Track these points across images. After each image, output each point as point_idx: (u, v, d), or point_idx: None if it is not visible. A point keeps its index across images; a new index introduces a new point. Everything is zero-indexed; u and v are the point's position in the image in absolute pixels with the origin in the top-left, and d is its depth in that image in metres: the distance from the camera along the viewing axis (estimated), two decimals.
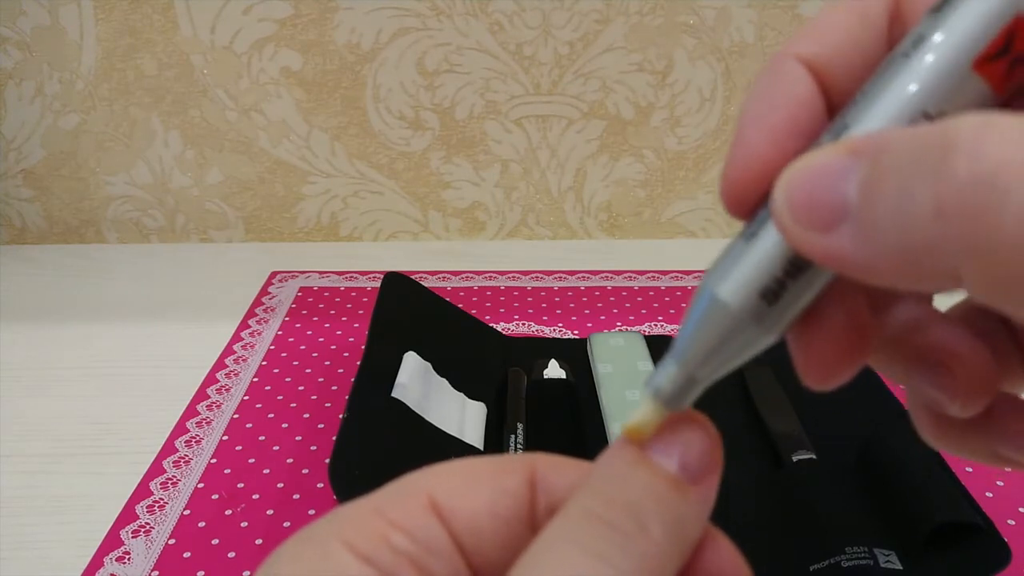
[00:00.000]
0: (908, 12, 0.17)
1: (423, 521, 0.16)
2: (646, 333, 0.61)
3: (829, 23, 0.18)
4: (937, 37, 0.15)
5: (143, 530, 0.45)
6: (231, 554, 0.43)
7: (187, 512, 0.46)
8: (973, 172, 0.12)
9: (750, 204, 0.17)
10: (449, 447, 0.46)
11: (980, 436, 0.18)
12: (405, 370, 0.48)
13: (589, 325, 0.65)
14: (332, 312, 0.67)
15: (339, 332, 0.64)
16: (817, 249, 0.14)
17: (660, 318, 0.67)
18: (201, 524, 0.45)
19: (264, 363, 0.60)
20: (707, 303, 0.16)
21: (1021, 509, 0.46)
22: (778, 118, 0.17)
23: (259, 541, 0.44)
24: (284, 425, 0.53)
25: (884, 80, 0.15)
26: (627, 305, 0.69)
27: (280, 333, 0.64)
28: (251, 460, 0.50)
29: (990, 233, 0.12)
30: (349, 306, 0.68)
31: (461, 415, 0.50)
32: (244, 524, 0.45)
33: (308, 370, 0.59)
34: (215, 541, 0.44)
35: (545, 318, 0.67)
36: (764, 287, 0.16)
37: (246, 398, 0.56)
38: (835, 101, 0.17)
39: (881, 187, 0.13)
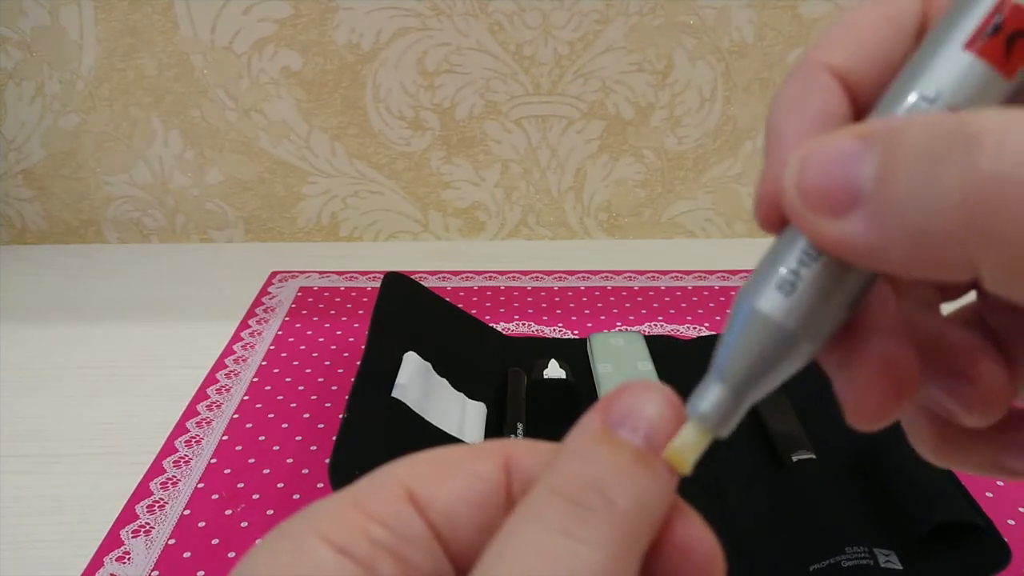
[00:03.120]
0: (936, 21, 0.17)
1: (400, 511, 0.16)
2: (646, 333, 0.61)
3: (859, 30, 0.17)
4: (935, 27, 0.15)
5: (143, 530, 0.45)
6: (231, 554, 0.43)
7: (187, 512, 0.46)
8: (996, 165, 0.12)
9: (785, 220, 0.16)
10: None
11: (983, 447, 0.18)
12: (405, 370, 0.48)
13: (589, 325, 0.65)
14: (332, 312, 0.67)
15: (339, 332, 0.64)
16: (829, 234, 0.14)
17: (660, 318, 0.67)
18: (201, 524, 0.45)
19: (264, 363, 0.60)
20: (742, 313, 0.16)
21: (1021, 509, 0.46)
22: (814, 133, 0.16)
23: (259, 541, 0.44)
24: (284, 425, 0.53)
25: (897, 78, 0.16)
26: (627, 305, 0.69)
27: (280, 333, 0.64)
28: (251, 460, 0.50)
29: (1007, 226, 0.12)
30: (349, 306, 0.68)
31: (461, 415, 0.50)
32: (244, 524, 0.45)
33: (308, 370, 0.59)
34: (215, 541, 0.44)
35: (545, 318, 0.67)
36: (780, 279, 0.16)
37: (246, 398, 0.56)
38: (863, 113, 0.17)
39: (900, 173, 0.13)
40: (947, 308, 0.19)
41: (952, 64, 0.15)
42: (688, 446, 0.16)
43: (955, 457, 0.18)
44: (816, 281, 0.15)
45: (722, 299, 0.70)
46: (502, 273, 0.74)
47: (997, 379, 0.17)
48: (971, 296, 0.19)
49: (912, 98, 0.15)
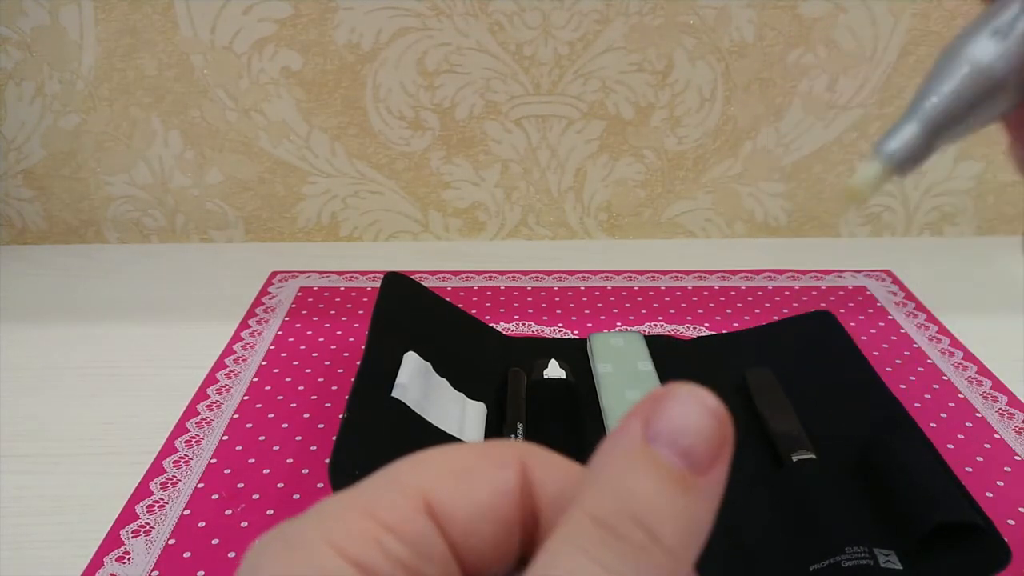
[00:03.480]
0: None
1: (418, 524, 0.15)
2: (646, 333, 0.61)
3: None
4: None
5: (143, 530, 0.45)
6: (231, 554, 0.43)
7: (187, 512, 0.46)
8: None
9: None
10: None
11: None
12: (405, 370, 0.48)
13: (589, 325, 0.65)
14: (332, 312, 0.67)
15: (339, 332, 0.64)
16: None
17: (660, 318, 0.67)
18: (201, 524, 0.45)
19: (264, 363, 0.60)
20: (950, 58, 0.16)
21: (1021, 509, 0.46)
22: None
23: (258, 541, 0.44)
24: (284, 425, 0.53)
25: None
26: (627, 305, 0.69)
27: (280, 333, 0.64)
28: (251, 460, 0.50)
29: None
30: (349, 306, 0.68)
31: (461, 415, 0.50)
32: (244, 524, 0.45)
33: (308, 370, 0.59)
34: (215, 541, 0.44)
35: (545, 318, 0.67)
36: (995, 26, 0.16)
37: (246, 398, 0.56)
38: None
39: None
40: None
41: None
42: (869, 180, 0.17)
43: None
44: None
45: (722, 299, 0.70)
46: (502, 273, 0.74)
47: None
48: None
49: None
